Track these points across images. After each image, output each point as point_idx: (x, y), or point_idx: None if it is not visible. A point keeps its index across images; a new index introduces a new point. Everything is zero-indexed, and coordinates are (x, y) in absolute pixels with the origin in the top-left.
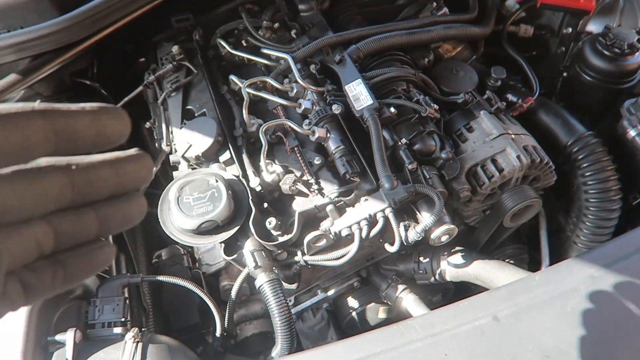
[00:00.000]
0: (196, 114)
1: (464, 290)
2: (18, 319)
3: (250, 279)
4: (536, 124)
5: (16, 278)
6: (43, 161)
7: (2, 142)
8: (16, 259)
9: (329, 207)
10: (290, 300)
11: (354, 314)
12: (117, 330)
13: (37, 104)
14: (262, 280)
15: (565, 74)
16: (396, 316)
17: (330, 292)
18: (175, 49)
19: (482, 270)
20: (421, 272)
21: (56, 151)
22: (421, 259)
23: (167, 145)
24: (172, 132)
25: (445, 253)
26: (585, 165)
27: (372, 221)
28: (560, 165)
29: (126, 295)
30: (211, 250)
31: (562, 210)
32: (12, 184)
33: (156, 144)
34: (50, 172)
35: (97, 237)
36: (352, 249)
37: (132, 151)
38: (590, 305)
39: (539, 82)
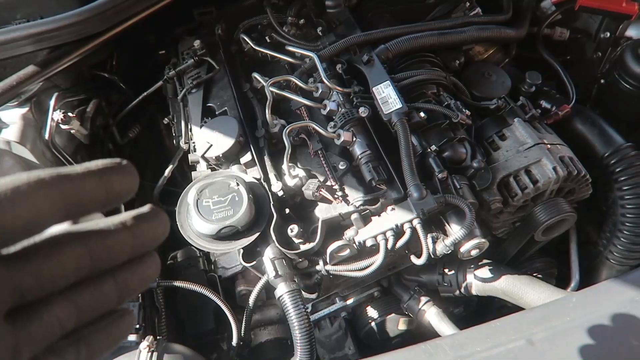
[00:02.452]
0: (217, 112)
1: (486, 303)
2: None
3: (266, 285)
4: (571, 133)
5: None
6: (56, 230)
7: (14, 218)
8: (38, 342)
9: (354, 216)
10: (307, 308)
11: (373, 324)
12: (132, 337)
13: (43, 172)
14: (282, 290)
15: (602, 81)
16: (417, 329)
17: (350, 301)
18: (197, 43)
19: (511, 285)
20: (446, 284)
21: (66, 217)
22: (446, 270)
23: (186, 142)
24: (191, 129)
25: (472, 266)
26: (623, 178)
27: (398, 232)
28: (596, 178)
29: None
30: (228, 254)
31: (593, 223)
32: (28, 262)
33: (174, 141)
34: (66, 242)
35: (117, 305)
36: (377, 260)
37: (147, 208)
38: (633, 331)
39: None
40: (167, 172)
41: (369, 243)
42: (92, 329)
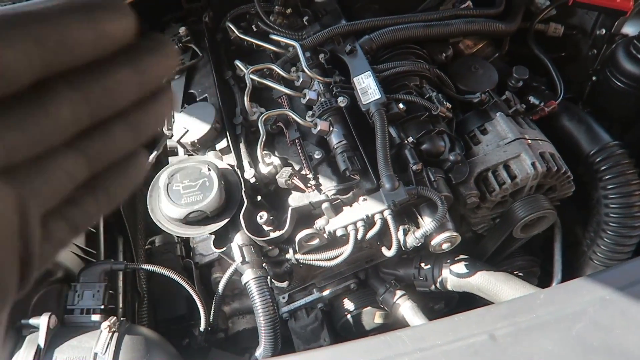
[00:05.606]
0: (198, 99)
1: (469, 300)
2: None
3: (238, 271)
4: (558, 130)
5: (58, 215)
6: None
7: None
8: (49, 197)
9: (325, 205)
10: (284, 298)
11: (349, 316)
12: (95, 317)
13: (5, 13)
14: (248, 277)
15: (594, 78)
16: (393, 323)
17: (326, 292)
18: (182, 30)
19: (485, 282)
20: (421, 278)
21: (47, 68)
22: (422, 265)
23: (168, 129)
24: (173, 116)
25: (448, 261)
26: (607, 177)
27: (369, 222)
28: (581, 176)
29: (107, 282)
30: (206, 241)
31: (581, 223)
32: (6, 118)
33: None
34: (54, 90)
35: (135, 147)
36: (346, 251)
37: (149, 39)
38: (598, 331)
39: (566, 85)
40: (151, 157)
41: (339, 233)
42: (108, 174)
